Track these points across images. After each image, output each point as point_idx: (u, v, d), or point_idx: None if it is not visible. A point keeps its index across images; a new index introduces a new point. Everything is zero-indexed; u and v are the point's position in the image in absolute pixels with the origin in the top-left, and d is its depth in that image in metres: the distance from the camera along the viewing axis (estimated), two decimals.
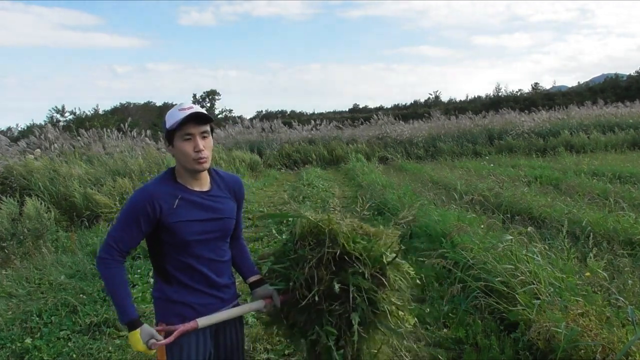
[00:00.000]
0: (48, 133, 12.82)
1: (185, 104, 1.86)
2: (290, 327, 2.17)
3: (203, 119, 1.83)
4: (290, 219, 2.42)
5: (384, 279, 2.11)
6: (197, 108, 1.85)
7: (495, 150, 18.16)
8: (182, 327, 1.79)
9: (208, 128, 1.86)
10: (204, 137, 1.83)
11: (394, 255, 2.18)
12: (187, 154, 1.80)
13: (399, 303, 2.17)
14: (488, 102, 39.53)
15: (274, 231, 6.87)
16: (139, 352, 1.78)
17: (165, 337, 1.77)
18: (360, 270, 2.05)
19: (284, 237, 2.51)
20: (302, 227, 2.19)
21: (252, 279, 2.08)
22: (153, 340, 1.75)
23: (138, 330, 1.75)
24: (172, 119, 1.82)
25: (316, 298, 2.01)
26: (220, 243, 1.95)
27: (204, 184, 1.91)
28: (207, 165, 1.85)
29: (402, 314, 2.19)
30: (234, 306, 1.98)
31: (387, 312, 2.10)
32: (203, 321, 1.83)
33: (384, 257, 2.12)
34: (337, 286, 2.01)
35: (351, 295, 2.02)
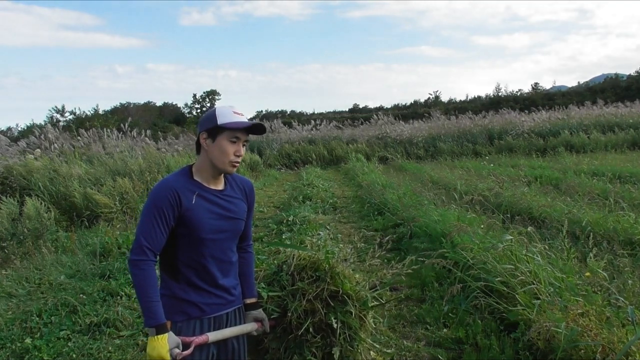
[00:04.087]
0: (48, 133, 12.80)
1: (236, 108, 1.91)
2: (263, 352, 2.29)
3: (259, 131, 1.91)
4: (293, 249, 2.55)
5: (365, 320, 2.32)
6: (258, 122, 1.94)
7: (495, 150, 18.17)
8: (196, 340, 1.81)
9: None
10: (244, 145, 1.93)
11: (378, 301, 2.46)
12: (228, 155, 1.86)
13: (375, 345, 2.45)
14: (488, 102, 39.56)
15: (274, 231, 6.89)
16: (147, 356, 1.73)
17: (182, 349, 1.76)
18: (350, 310, 2.23)
19: (275, 261, 2.62)
20: (299, 260, 2.33)
21: (250, 300, 2.09)
22: (177, 350, 1.73)
23: (166, 335, 1.73)
24: (225, 117, 1.85)
25: (310, 330, 2.17)
26: (231, 244, 1.98)
27: (220, 183, 1.96)
28: (235, 170, 1.94)
29: (374, 354, 2.48)
30: (238, 308, 2.03)
31: (361, 351, 2.31)
32: (212, 336, 1.87)
33: (368, 301, 2.34)
34: (334, 321, 2.17)
35: (338, 331, 2.19)
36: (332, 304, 2.21)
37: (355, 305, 2.26)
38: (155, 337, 1.72)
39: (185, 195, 1.83)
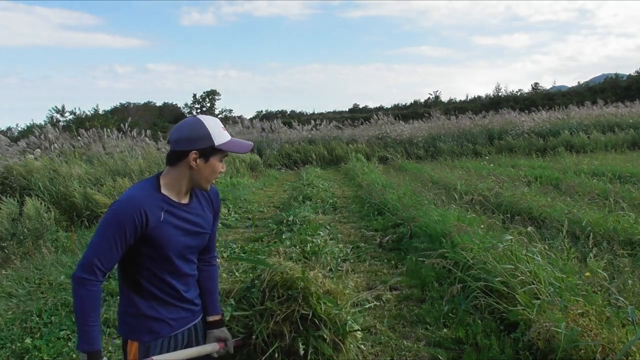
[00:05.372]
0: (48, 133, 12.82)
1: (218, 120, 1.83)
2: None
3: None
4: (261, 265, 2.36)
5: (342, 346, 2.10)
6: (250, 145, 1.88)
7: (495, 150, 18.16)
8: None
9: None
10: None
11: (356, 327, 2.20)
12: (216, 173, 1.81)
13: None
14: (488, 102, 39.55)
15: (274, 231, 6.89)
16: None
17: None
18: (323, 335, 2.04)
19: (251, 275, 2.45)
20: (272, 276, 2.16)
21: (213, 318, 1.97)
22: None
23: None
24: (220, 137, 1.77)
25: (276, 354, 1.99)
26: (194, 257, 1.91)
27: (187, 196, 1.85)
28: None
29: None
30: (201, 319, 1.95)
31: None
32: (163, 358, 1.75)
33: (347, 325, 2.12)
34: (301, 347, 1.99)
35: (309, 357, 2.01)
36: (301, 327, 2.03)
37: (330, 330, 2.07)
38: None
39: (153, 212, 1.70)
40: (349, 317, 2.17)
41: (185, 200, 1.83)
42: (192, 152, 1.74)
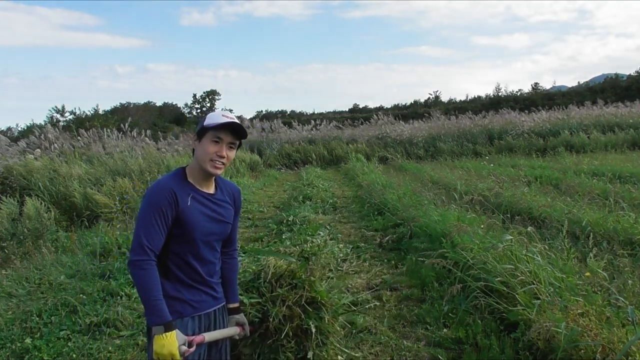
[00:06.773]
0: (48, 133, 12.83)
1: (229, 113, 1.99)
2: (235, 358, 2.34)
3: (238, 132, 1.95)
4: (284, 258, 2.73)
5: (334, 324, 2.44)
6: (237, 121, 1.97)
7: (495, 150, 18.17)
8: (196, 339, 1.85)
9: (237, 142, 1.98)
10: (230, 148, 1.96)
11: (353, 308, 2.68)
12: (208, 153, 1.90)
13: (344, 349, 2.57)
14: (488, 102, 39.56)
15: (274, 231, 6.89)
16: (156, 355, 1.74)
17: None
18: (323, 316, 2.34)
19: (251, 269, 2.68)
20: (276, 269, 2.42)
21: (233, 305, 2.13)
22: (185, 347, 1.76)
23: (174, 332, 1.75)
24: (212, 119, 1.93)
25: (290, 334, 2.25)
26: (217, 245, 2.04)
27: (211, 186, 2.00)
28: (219, 172, 1.95)
29: (342, 359, 2.58)
30: (223, 306, 2.08)
31: (331, 355, 2.43)
32: (208, 337, 1.92)
33: (339, 308, 2.51)
34: (312, 326, 2.26)
35: (313, 336, 2.27)
36: (309, 310, 2.30)
37: (329, 312, 2.35)
38: (164, 334, 1.73)
39: (181, 196, 1.87)
40: (340, 301, 2.58)
41: (210, 190, 1.99)
42: (193, 136, 1.99)
